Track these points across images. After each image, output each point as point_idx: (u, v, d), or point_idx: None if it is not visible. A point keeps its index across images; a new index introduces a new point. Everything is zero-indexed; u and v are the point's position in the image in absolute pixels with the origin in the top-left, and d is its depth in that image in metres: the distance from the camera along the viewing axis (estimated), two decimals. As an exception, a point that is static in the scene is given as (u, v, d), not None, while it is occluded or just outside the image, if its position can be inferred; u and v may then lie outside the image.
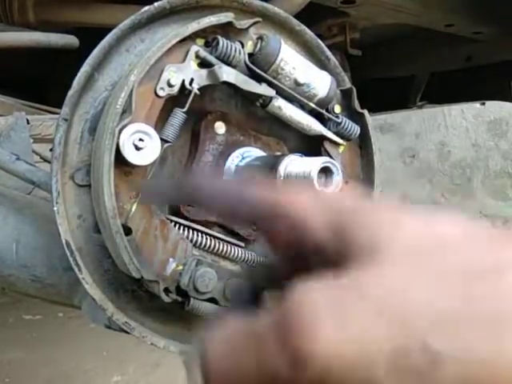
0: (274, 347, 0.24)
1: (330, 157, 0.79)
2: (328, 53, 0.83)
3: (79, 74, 0.68)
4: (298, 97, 0.74)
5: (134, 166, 0.63)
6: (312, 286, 0.25)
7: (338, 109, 0.80)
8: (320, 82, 0.75)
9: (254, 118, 0.80)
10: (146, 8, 0.71)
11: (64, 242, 0.68)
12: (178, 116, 0.67)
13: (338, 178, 0.66)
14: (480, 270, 0.24)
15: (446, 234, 0.27)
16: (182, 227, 0.72)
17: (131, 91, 0.63)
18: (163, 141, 0.65)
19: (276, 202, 0.32)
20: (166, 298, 0.66)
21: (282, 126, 0.79)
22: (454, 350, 0.22)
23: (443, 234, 0.27)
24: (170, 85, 0.66)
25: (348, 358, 0.23)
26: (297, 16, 0.78)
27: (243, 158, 0.76)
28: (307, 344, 0.23)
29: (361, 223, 0.28)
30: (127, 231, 0.64)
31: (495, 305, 0.23)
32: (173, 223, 0.71)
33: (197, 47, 0.68)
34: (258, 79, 0.71)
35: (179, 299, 0.67)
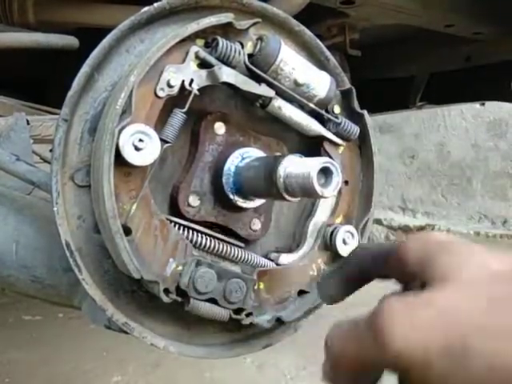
0: (367, 336, 0.39)
1: (330, 157, 0.79)
2: (327, 53, 0.83)
3: (79, 75, 0.68)
4: (298, 97, 0.75)
5: (133, 167, 0.63)
6: (393, 299, 0.39)
7: (337, 109, 0.80)
8: (319, 83, 0.75)
9: (253, 118, 0.80)
10: (146, 9, 0.71)
11: (64, 242, 0.68)
12: (178, 116, 0.67)
13: (337, 178, 0.66)
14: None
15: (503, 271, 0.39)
16: (181, 228, 0.72)
17: (131, 92, 0.63)
18: (163, 141, 0.65)
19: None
20: (165, 299, 0.66)
21: (282, 126, 0.79)
22: (484, 350, 0.34)
23: (500, 271, 0.39)
24: (169, 85, 0.66)
25: (413, 343, 0.36)
26: (296, 16, 0.78)
27: (243, 159, 0.76)
28: (387, 334, 0.37)
29: (441, 258, 0.42)
30: (127, 231, 0.64)
31: None
32: (173, 224, 0.71)
33: (196, 48, 0.68)
34: (258, 80, 0.71)
35: (179, 299, 0.67)
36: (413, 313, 0.38)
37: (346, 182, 0.82)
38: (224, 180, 0.75)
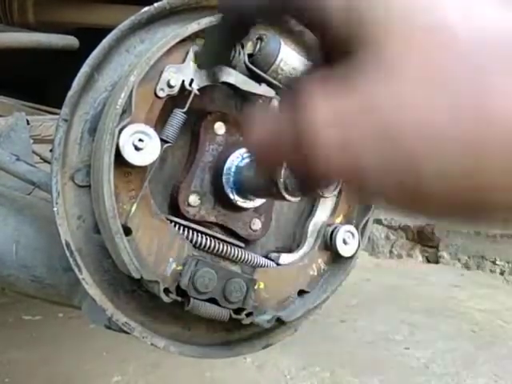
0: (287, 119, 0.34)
1: (330, 157, 0.79)
2: (328, 53, 0.83)
3: (79, 75, 0.68)
4: (298, 97, 0.74)
5: (133, 167, 0.63)
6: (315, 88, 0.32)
7: (337, 109, 0.80)
8: (320, 83, 0.75)
9: (253, 118, 0.80)
10: (146, 8, 0.71)
11: (64, 242, 0.68)
12: (178, 116, 0.67)
13: (337, 178, 0.66)
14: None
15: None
16: (181, 227, 0.72)
17: (131, 92, 0.63)
18: (163, 141, 0.65)
19: None
20: (165, 299, 0.66)
21: (282, 126, 0.79)
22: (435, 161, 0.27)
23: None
24: (169, 85, 0.66)
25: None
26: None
27: (243, 159, 0.76)
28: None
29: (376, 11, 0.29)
30: (127, 231, 0.64)
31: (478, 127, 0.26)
32: (173, 223, 0.71)
33: (197, 48, 0.68)
34: (258, 80, 0.71)
35: (179, 299, 0.67)
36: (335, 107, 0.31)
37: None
38: (224, 180, 0.75)
